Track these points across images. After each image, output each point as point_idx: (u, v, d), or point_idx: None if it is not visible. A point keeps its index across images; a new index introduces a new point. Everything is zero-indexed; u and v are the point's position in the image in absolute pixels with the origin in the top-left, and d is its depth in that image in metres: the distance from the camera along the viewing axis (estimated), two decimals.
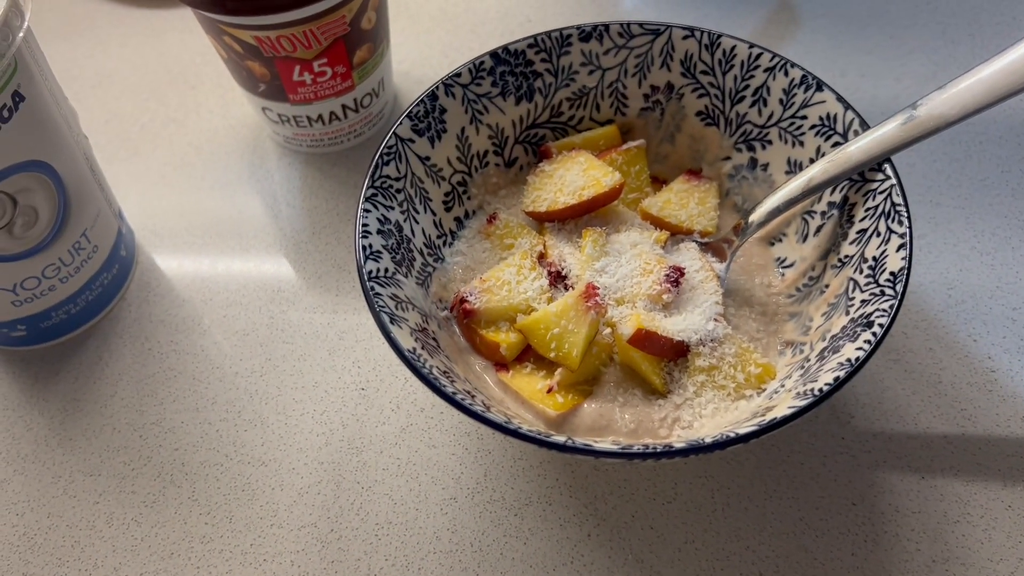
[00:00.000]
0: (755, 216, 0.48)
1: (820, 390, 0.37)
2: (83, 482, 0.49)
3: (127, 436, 0.50)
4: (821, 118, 0.47)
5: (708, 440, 0.35)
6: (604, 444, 0.36)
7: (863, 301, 0.41)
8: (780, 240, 0.51)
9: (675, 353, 0.45)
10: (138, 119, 0.67)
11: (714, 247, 0.50)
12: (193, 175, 0.63)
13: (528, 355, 0.47)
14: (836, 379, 0.37)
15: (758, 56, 0.49)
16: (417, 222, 0.48)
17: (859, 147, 0.44)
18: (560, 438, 0.36)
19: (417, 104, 0.48)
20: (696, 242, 0.50)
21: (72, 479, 0.49)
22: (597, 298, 0.44)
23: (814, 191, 0.46)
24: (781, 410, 0.37)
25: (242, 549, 0.46)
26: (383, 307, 0.40)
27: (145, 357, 0.53)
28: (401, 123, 0.47)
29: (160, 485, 0.48)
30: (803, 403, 0.36)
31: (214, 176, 0.63)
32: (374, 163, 0.45)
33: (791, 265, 0.49)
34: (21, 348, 0.54)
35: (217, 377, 0.52)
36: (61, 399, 0.52)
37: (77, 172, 0.49)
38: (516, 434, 0.36)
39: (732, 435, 0.35)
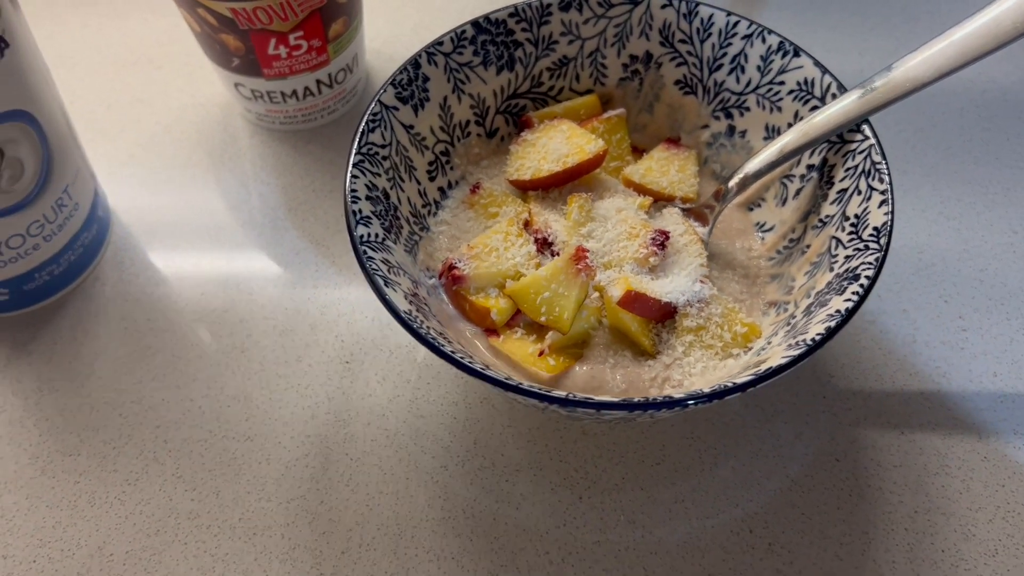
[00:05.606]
0: (733, 182, 0.49)
1: (813, 340, 0.37)
2: (62, 462, 0.47)
3: (106, 415, 0.49)
4: (799, 83, 0.48)
5: (707, 390, 0.36)
6: (604, 399, 0.36)
7: (847, 257, 0.42)
8: (759, 205, 0.52)
9: (663, 314, 0.45)
10: (103, 99, 0.65)
11: (696, 213, 0.50)
12: (163, 154, 0.62)
13: (518, 320, 0.47)
14: (828, 329, 0.37)
15: (735, 24, 0.50)
16: (403, 190, 0.48)
17: (836, 110, 0.45)
18: (561, 393, 0.36)
19: (401, 71, 0.48)
20: (678, 207, 0.50)
21: (50, 459, 0.47)
22: (587, 260, 0.44)
23: (790, 156, 0.47)
24: (775, 361, 0.38)
25: (230, 524, 0.45)
26: (376, 271, 0.40)
27: (122, 336, 0.52)
28: (385, 90, 0.47)
29: (143, 463, 0.47)
30: (797, 352, 0.37)
31: (185, 155, 0.62)
32: (360, 130, 0.45)
33: (771, 229, 0.50)
34: (1, 315, 0.52)
35: (197, 354, 0.51)
36: (35, 379, 0.50)
37: (58, 125, 0.48)
38: (518, 390, 0.36)
39: (731, 384, 0.36)
